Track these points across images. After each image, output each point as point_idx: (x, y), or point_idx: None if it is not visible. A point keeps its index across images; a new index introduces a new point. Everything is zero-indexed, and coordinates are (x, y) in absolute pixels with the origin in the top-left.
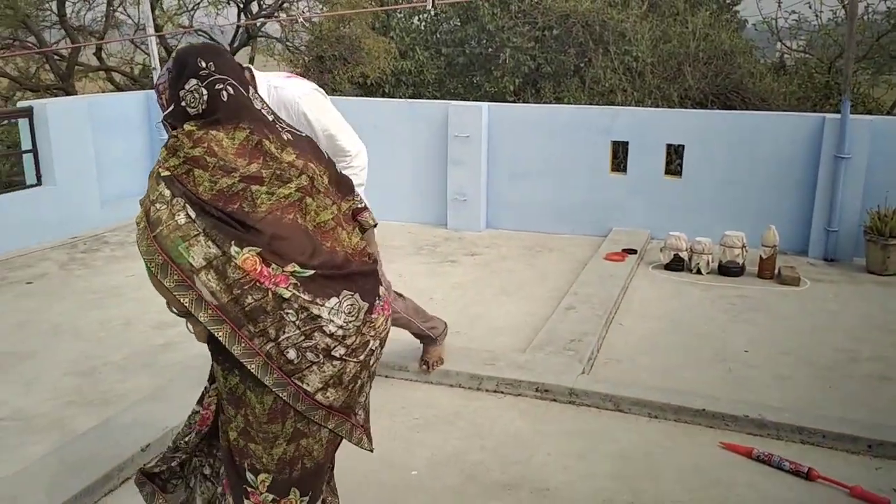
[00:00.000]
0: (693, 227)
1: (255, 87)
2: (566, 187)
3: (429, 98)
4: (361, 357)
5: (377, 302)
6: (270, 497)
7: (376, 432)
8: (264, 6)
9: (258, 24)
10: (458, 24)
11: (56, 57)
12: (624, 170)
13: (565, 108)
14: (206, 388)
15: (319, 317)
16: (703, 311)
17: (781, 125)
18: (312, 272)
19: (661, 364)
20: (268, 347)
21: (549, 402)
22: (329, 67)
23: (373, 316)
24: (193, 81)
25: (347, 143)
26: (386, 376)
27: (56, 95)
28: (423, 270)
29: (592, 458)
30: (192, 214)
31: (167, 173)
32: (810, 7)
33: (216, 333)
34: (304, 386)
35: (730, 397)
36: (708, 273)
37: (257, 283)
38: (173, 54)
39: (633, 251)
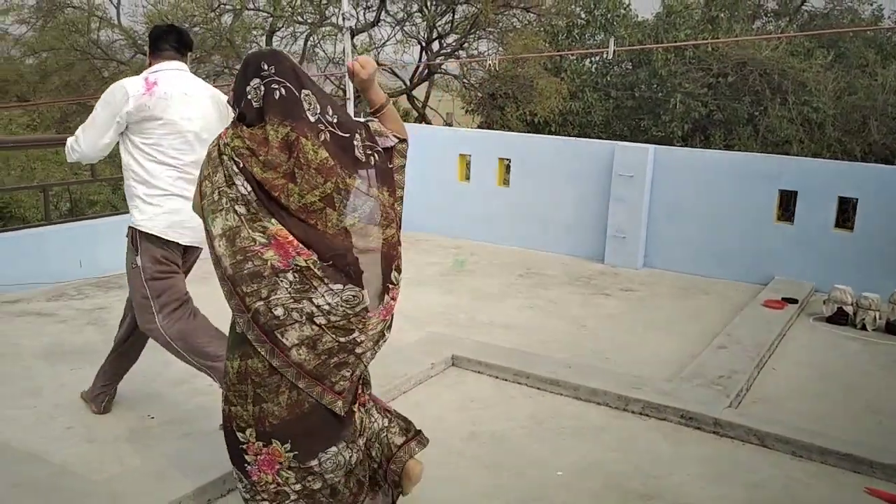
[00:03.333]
0: (861, 283)
1: (311, 88)
2: (728, 232)
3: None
4: (342, 339)
5: (379, 305)
6: (260, 444)
7: (526, 434)
8: (445, 45)
9: (440, 64)
10: (630, 67)
11: None
12: (790, 219)
13: (732, 154)
14: None
15: (315, 288)
16: (861, 365)
17: None
18: (327, 263)
19: (810, 409)
20: (257, 304)
21: (692, 430)
22: (500, 105)
23: (368, 315)
24: (256, 80)
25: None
26: (538, 388)
27: None
28: (577, 300)
29: (731, 484)
30: (229, 193)
31: (225, 154)
32: None
33: (222, 286)
34: (283, 340)
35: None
36: (874, 330)
37: (259, 254)
38: (245, 58)
39: (794, 301)
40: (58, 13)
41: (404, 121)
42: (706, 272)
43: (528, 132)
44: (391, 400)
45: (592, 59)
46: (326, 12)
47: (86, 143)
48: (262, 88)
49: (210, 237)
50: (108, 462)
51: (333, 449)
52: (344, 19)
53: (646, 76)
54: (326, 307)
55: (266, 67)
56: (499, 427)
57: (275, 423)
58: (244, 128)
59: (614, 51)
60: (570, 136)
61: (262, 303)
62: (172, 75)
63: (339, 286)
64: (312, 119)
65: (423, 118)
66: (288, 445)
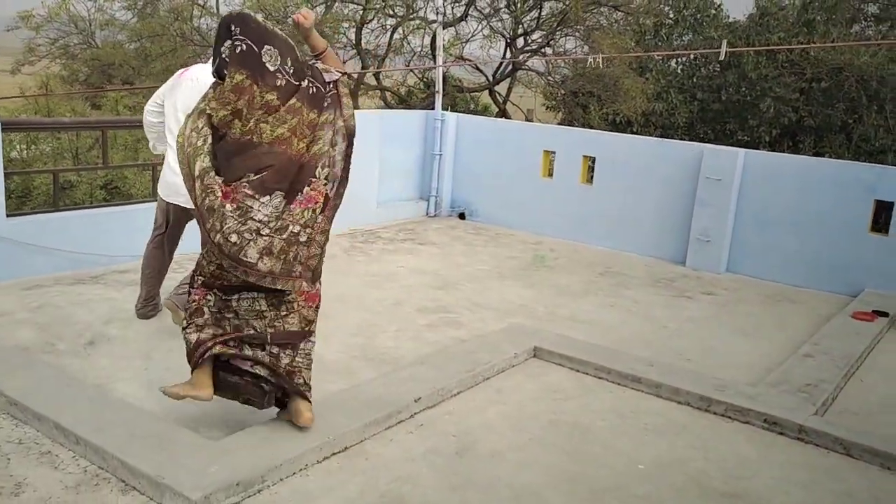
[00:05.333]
0: None
1: (273, 43)
2: (817, 241)
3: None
4: (285, 236)
5: (298, 196)
6: (203, 290)
7: (607, 426)
8: (529, 42)
9: (523, 59)
10: (718, 69)
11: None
12: (885, 230)
13: (827, 162)
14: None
15: (251, 208)
16: None
17: None
18: (258, 177)
19: None
20: (217, 238)
21: (776, 435)
22: (582, 103)
23: (291, 206)
24: (228, 42)
25: None
26: (619, 384)
27: None
28: (659, 301)
29: (816, 490)
30: (208, 140)
31: (208, 111)
32: None
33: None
34: (248, 259)
35: None
36: None
37: (213, 189)
38: (219, 22)
39: (885, 314)
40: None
41: (484, 115)
42: (793, 280)
43: (610, 131)
44: (474, 385)
45: (679, 59)
46: (414, 6)
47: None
48: (229, 45)
49: (192, 180)
50: (216, 423)
51: (254, 293)
52: (437, 13)
53: (734, 78)
54: (265, 219)
55: (233, 28)
56: (580, 418)
57: (226, 285)
58: (221, 85)
59: (726, 52)
60: (651, 136)
61: (220, 235)
62: (201, 66)
63: (268, 197)
64: (272, 69)
65: (503, 113)
66: (221, 293)
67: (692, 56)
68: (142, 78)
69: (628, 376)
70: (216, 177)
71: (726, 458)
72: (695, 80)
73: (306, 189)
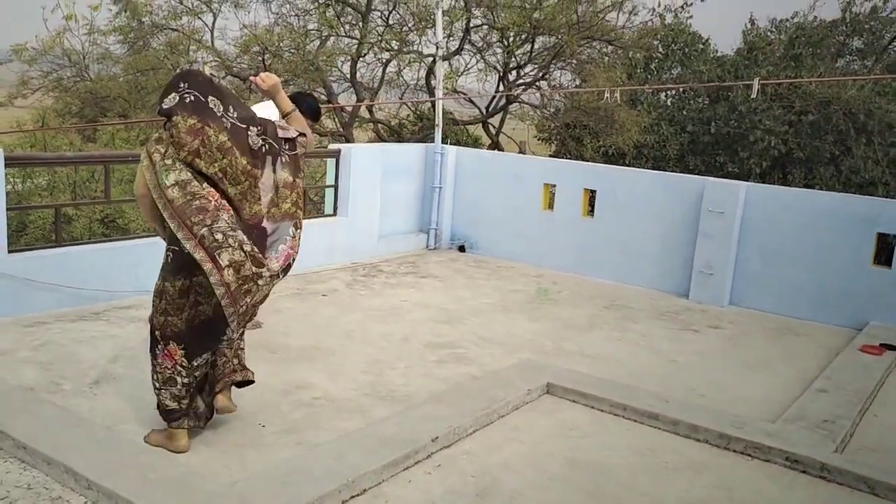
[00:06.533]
0: None
1: (216, 94)
2: (821, 274)
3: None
4: (256, 269)
5: (276, 253)
6: (162, 343)
7: (627, 465)
8: (522, 75)
9: (517, 94)
10: (707, 102)
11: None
12: (888, 263)
13: (828, 195)
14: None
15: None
16: None
17: None
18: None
19: None
20: (202, 231)
21: (798, 473)
22: (577, 135)
23: (267, 259)
24: (173, 94)
25: None
26: (635, 421)
27: (337, 141)
28: (666, 335)
29: None
30: (177, 160)
31: (164, 138)
32: None
33: (171, 223)
34: (220, 261)
35: None
36: None
37: (205, 196)
38: (173, 77)
39: (894, 347)
40: (159, 34)
41: (477, 147)
42: (796, 313)
43: (604, 163)
44: (489, 423)
45: (669, 91)
46: (408, 39)
47: None
48: (176, 97)
49: (162, 188)
50: (230, 466)
51: (207, 354)
52: (437, 47)
53: (724, 111)
54: (248, 243)
55: (182, 85)
56: (598, 456)
57: (175, 330)
58: (174, 127)
59: (759, 89)
60: (643, 168)
61: (206, 229)
62: (262, 105)
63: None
64: (218, 114)
65: (496, 146)
66: (183, 349)
67: (682, 89)
68: (137, 111)
69: (645, 413)
70: (208, 188)
71: (750, 499)
72: (685, 112)
73: (282, 247)
